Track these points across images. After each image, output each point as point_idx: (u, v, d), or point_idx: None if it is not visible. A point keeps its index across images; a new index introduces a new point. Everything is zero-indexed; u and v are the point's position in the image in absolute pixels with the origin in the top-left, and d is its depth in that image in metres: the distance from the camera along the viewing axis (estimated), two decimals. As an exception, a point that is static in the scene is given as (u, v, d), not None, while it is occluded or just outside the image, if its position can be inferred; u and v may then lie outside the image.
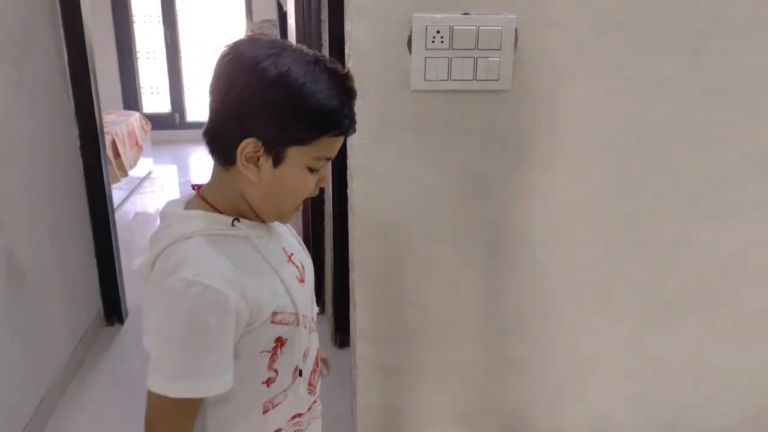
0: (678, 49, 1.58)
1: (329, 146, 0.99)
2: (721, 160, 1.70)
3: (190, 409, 0.98)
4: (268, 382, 1.06)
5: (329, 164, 1.04)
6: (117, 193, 5.06)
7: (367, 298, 1.71)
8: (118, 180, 5.06)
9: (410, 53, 1.49)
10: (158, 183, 6.10)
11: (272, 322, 1.02)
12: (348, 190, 1.63)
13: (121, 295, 3.28)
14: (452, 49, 1.48)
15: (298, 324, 1.05)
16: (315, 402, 1.20)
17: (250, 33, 5.41)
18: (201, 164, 6.69)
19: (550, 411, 1.92)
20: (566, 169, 1.66)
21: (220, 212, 1.02)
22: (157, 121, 6.78)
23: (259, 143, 0.95)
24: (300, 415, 1.14)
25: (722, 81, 1.62)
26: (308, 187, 1.02)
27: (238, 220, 1.02)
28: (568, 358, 1.86)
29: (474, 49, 1.49)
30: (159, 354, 0.95)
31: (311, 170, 1.00)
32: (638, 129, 1.65)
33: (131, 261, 4.10)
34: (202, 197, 1.04)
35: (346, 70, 0.99)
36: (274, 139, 0.95)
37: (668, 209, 1.74)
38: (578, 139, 1.64)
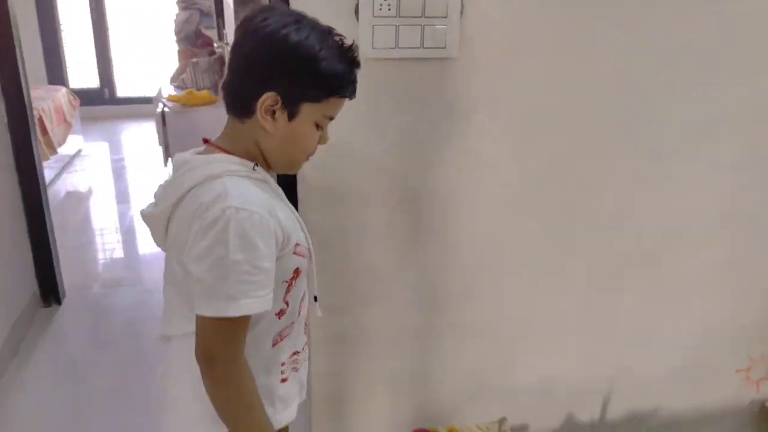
0: (621, 23, 1.64)
1: (335, 106, 1.15)
2: (661, 132, 1.78)
3: (244, 327, 1.07)
4: (280, 313, 1.17)
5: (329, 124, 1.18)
6: (46, 171, 4.85)
7: (319, 266, 1.73)
8: (46, 158, 4.85)
9: (357, 21, 1.50)
10: (89, 161, 5.88)
11: (294, 252, 1.14)
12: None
13: (57, 276, 3.18)
14: (399, 16, 1.50)
15: (310, 258, 1.21)
16: (306, 344, 1.31)
17: (181, 3, 5.25)
18: (133, 141, 6.48)
19: (500, 372, 1.99)
20: (513, 138, 1.71)
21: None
22: (85, 97, 6.51)
23: (278, 97, 1.08)
24: (297, 353, 1.26)
25: (662, 53, 1.69)
26: (314, 141, 1.16)
27: (258, 165, 1.13)
28: (517, 320, 1.93)
29: (421, 17, 1.51)
30: (212, 279, 1.02)
31: (318, 127, 1.14)
32: (583, 100, 1.71)
33: (66, 241, 3.98)
34: (216, 146, 1.14)
35: (353, 42, 1.13)
36: (291, 95, 1.09)
37: (612, 178, 1.81)
38: (524, 109, 1.68)
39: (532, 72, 1.64)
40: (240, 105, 1.12)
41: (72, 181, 5.34)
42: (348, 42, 1.13)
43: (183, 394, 1.16)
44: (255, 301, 1.04)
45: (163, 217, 1.13)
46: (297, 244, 1.15)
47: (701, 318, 2.04)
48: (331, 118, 1.17)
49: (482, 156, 1.70)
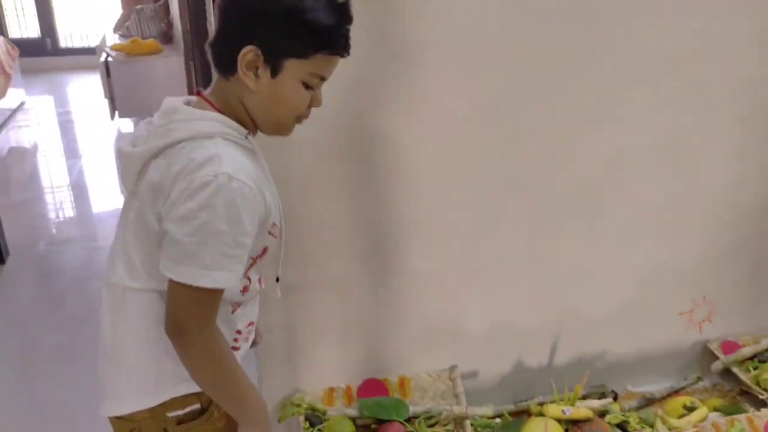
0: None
1: (324, 64, 1.06)
2: (602, 69, 1.77)
3: (216, 300, 1.02)
4: (244, 289, 1.15)
5: (322, 85, 1.10)
6: (-15, 126, 4.66)
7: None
8: (-16, 111, 4.64)
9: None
10: (33, 114, 5.65)
11: (269, 232, 1.11)
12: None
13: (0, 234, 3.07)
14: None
15: (280, 238, 1.16)
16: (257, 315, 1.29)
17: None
18: (79, 93, 6.24)
19: (449, 319, 2.00)
20: (455, 80, 1.68)
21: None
22: (25, 48, 6.21)
23: (259, 51, 1.01)
24: (252, 323, 1.24)
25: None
26: (303, 101, 1.07)
27: (250, 135, 1.08)
28: (463, 266, 1.93)
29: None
30: (191, 244, 0.96)
31: (306, 86, 1.06)
32: (526, 39, 1.68)
33: (10, 198, 3.83)
34: (208, 101, 1.08)
35: None
36: (273, 49, 1.02)
37: (554, 119, 1.80)
38: (467, 50, 1.65)
39: (477, 12, 1.61)
40: (222, 60, 1.05)
41: (15, 136, 5.13)
42: None
43: (133, 352, 1.11)
44: (229, 274, 1.00)
45: (141, 160, 1.06)
46: (273, 224, 1.11)
47: (644, 260, 2.08)
48: (323, 79, 1.08)
49: (427, 99, 1.67)
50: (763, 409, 1.94)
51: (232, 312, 1.13)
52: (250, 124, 1.09)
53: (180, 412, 1.11)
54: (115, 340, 1.12)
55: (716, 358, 2.21)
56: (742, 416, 1.88)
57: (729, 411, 1.97)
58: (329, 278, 1.84)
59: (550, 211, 1.93)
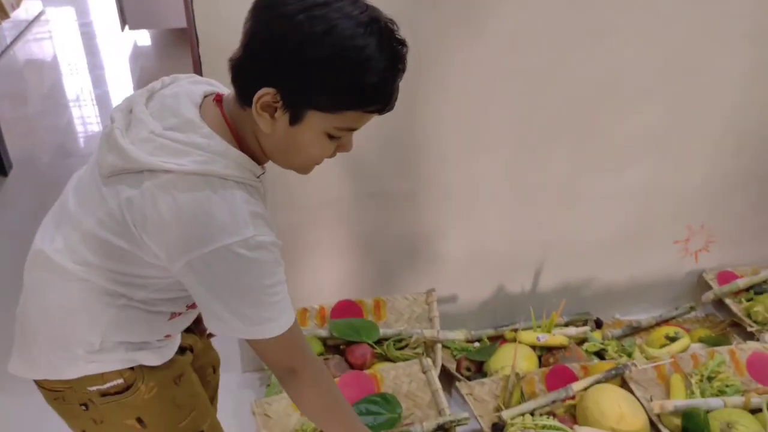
0: None
1: (356, 120, 0.90)
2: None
3: (297, 330, 1.01)
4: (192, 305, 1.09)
5: (353, 134, 0.95)
6: (-2, 37, 4.65)
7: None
8: (-2, 23, 4.60)
9: None
10: (51, 26, 5.60)
11: None
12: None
13: (1, 147, 3.09)
14: None
15: None
16: None
17: None
18: (102, 3, 6.14)
19: (428, 243, 1.95)
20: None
21: (240, 146, 0.95)
22: (44, -44, 6.09)
23: (278, 96, 0.86)
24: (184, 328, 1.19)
25: None
26: (325, 152, 0.94)
27: (263, 174, 0.99)
28: (444, 188, 1.86)
29: None
30: (246, 310, 0.93)
31: (331, 137, 0.92)
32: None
33: (20, 110, 3.84)
34: (226, 119, 0.95)
35: (402, 39, 0.87)
36: (295, 96, 0.87)
37: (543, 31, 1.67)
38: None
39: None
40: (240, 87, 0.90)
41: (32, 49, 5.11)
42: (398, 37, 0.86)
43: (44, 331, 1.03)
44: (287, 310, 0.97)
45: (134, 164, 0.90)
46: None
47: (638, 185, 1.97)
48: (353, 130, 0.93)
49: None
50: (749, 342, 1.87)
51: (169, 319, 1.08)
52: (263, 158, 0.98)
53: (101, 387, 1.05)
54: (26, 309, 1.05)
55: (711, 288, 2.13)
56: (723, 348, 1.82)
57: (713, 342, 1.92)
58: (305, 200, 1.79)
59: (536, 133, 1.82)
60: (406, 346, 1.85)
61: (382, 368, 1.74)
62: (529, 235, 2.00)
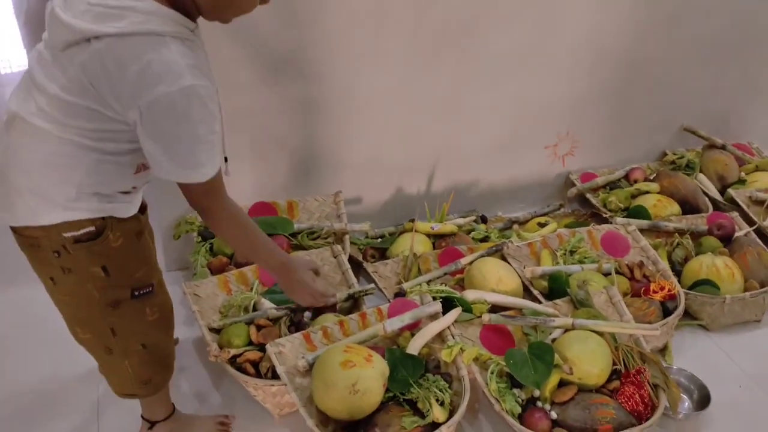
0: None
1: None
2: None
3: (220, 178, 1.22)
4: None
5: None
6: None
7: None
8: None
9: None
10: None
11: None
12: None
13: None
14: None
15: (221, 118, 1.22)
16: None
17: None
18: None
19: (334, 148, 2.18)
20: None
21: (171, 5, 1.09)
22: None
23: None
24: (149, 181, 1.33)
25: None
26: (251, 2, 1.15)
27: (197, 29, 1.15)
28: (345, 99, 2.09)
29: None
30: (183, 152, 1.12)
31: None
32: None
33: None
34: None
35: None
36: None
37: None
38: None
39: None
40: None
41: None
42: None
43: (23, 181, 1.17)
44: (217, 158, 1.17)
45: (80, 36, 1.06)
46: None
47: (512, 97, 2.28)
48: None
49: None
50: (603, 225, 2.25)
51: (135, 173, 1.23)
52: (195, 13, 1.13)
53: (75, 233, 1.19)
54: (7, 163, 1.17)
55: (575, 186, 2.50)
56: (583, 229, 2.18)
57: (575, 227, 2.28)
58: (222, 105, 1.95)
59: (422, 48, 2.07)
60: (318, 237, 2.09)
61: (297, 254, 1.96)
62: (421, 142, 2.27)
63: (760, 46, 2.55)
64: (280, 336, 1.67)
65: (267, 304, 1.78)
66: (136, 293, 1.30)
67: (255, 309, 1.78)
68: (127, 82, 1.06)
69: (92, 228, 1.20)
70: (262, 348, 1.64)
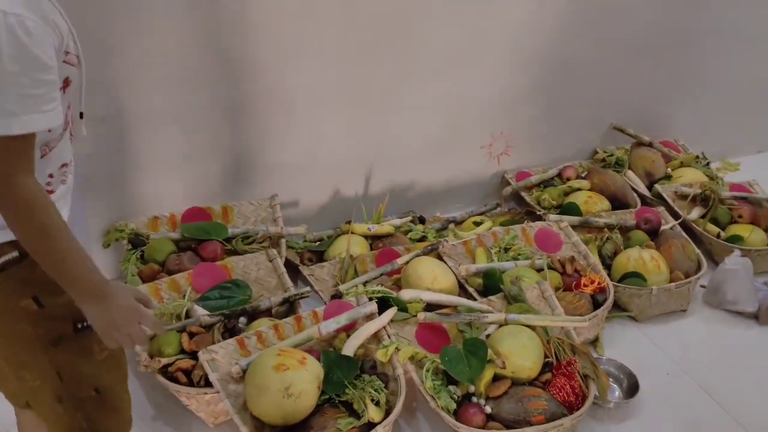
0: None
1: None
2: None
3: (31, 146, 0.95)
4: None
5: None
6: None
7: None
8: None
9: None
10: None
11: (64, 61, 1.01)
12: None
13: None
14: None
15: (79, 66, 1.06)
16: (73, 154, 1.18)
17: None
18: None
19: (269, 150, 2.16)
20: None
21: None
22: None
23: None
24: (66, 164, 1.14)
25: None
26: None
27: None
28: (275, 100, 2.07)
29: None
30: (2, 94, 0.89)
31: None
32: None
33: None
34: None
35: None
36: None
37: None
38: None
39: None
40: None
41: None
42: None
43: None
44: (41, 116, 0.93)
45: None
46: (67, 52, 1.01)
47: (446, 97, 2.31)
48: None
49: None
50: (537, 222, 2.29)
51: (42, 156, 1.05)
52: None
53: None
54: None
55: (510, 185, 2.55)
56: (517, 226, 2.23)
57: (510, 224, 2.32)
58: (151, 108, 1.92)
59: (357, 46, 2.08)
60: (254, 242, 2.07)
61: (232, 259, 1.94)
62: (357, 143, 2.28)
63: (684, 46, 2.65)
64: (213, 343, 1.64)
65: (200, 311, 1.75)
66: (79, 326, 1.09)
67: (188, 316, 1.75)
68: None
69: (15, 253, 1.03)
70: (195, 356, 1.62)
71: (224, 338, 1.69)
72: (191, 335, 1.68)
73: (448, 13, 2.14)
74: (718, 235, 2.32)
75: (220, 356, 1.59)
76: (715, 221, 2.38)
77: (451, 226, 2.37)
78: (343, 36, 2.04)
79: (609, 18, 2.42)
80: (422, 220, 2.42)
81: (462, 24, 2.18)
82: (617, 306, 2.06)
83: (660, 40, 2.58)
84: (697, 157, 2.71)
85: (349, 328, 1.73)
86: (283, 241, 2.10)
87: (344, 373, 1.58)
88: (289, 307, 1.85)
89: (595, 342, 1.97)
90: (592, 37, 2.43)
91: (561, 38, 2.38)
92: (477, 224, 2.34)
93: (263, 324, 1.72)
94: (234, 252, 2.01)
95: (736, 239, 2.28)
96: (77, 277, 1.01)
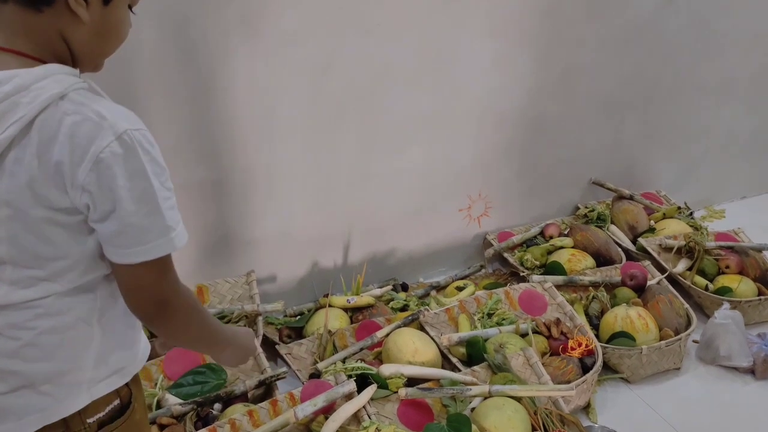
0: None
1: None
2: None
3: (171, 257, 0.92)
4: None
5: None
6: None
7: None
8: None
9: None
10: None
11: None
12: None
13: None
14: None
15: None
16: None
17: None
18: None
19: (244, 226, 2.13)
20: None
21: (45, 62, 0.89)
22: None
23: None
24: None
25: None
26: (128, 26, 0.95)
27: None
28: (253, 174, 2.06)
29: None
30: (144, 218, 0.86)
31: (130, 8, 0.95)
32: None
33: None
34: (15, 52, 0.88)
35: None
36: None
37: (322, 23, 1.93)
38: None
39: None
40: None
41: None
42: None
43: (37, 371, 0.92)
44: (180, 221, 0.91)
45: None
46: None
47: (419, 163, 2.30)
48: None
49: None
50: (521, 284, 2.25)
51: None
52: (70, 62, 0.93)
53: (101, 415, 0.96)
54: (12, 368, 0.91)
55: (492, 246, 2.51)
56: (500, 290, 2.18)
57: (494, 288, 2.27)
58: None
59: (325, 118, 2.08)
60: (229, 321, 2.01)
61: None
62: (333, 213, 2.25)
63: (652, 98, 2.67)
64: (184, 434, 1.57)
65: (172, 400, 1.68)
66: None
67: (159, 407, 1.68)
68: (60, 157, 0.84)
69: (117, 401, 0.97)
70: (165, 449, 1.54)
71: (197, 428, 1.62)
72: (161, 427, 1.61)
73: (412, 80, 2.15)
74: (706, 288, 2.28)
75: (190, 449, 1.51)
76: (702, 273, 2.34)
77: (433, 292, 2.32)
78: (310, 111, 2.04)
79: (574, 75, 2.44)
80: (405, 288, 2.38)
81: (427, 91, 2.20)
82: (608, 368, 2.00)
83: (630, 93, 2.60)
84: (680, 208, 2.68)
85: (328, 410, 1.66)
86: (260, 319, 2.05)
87: (321, 460, 1.51)
88: (266, 389, 1.79)
89: (587, 408, 1.89)
90: (559, 94, 2.44)
91: (529, 97, 2.39)
92: (460, 289, 2.29)
93: (237, 411, 1.65)
94: (209, 334, 1.95)
95: (724, 291, 2.23)
96: (220, 342, 1.07)
